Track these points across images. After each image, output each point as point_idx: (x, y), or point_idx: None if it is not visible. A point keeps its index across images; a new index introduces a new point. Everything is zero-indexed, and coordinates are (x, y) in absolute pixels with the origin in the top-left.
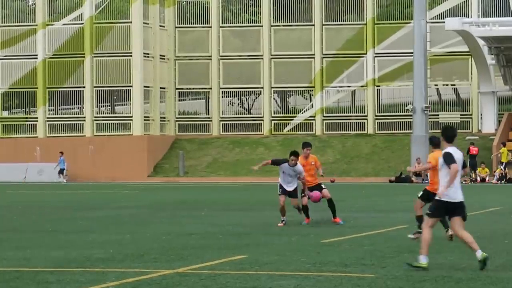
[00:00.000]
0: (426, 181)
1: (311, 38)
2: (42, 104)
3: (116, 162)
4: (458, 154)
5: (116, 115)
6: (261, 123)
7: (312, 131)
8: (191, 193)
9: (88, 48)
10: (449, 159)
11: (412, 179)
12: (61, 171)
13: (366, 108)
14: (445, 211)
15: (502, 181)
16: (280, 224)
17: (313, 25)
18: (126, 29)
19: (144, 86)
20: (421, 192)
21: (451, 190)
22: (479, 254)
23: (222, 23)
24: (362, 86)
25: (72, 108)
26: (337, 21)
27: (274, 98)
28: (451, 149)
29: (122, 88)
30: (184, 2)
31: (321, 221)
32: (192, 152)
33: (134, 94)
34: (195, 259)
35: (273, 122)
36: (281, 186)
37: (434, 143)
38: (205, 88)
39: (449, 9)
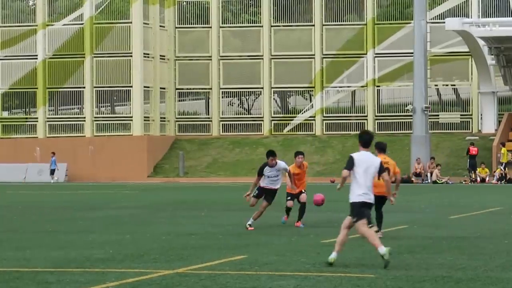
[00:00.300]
0: (427, 182)
1: (311, 39)
2: (42, 105)
3: (116, 162)
4: (367, 160)
5: (116, 115)
6: (261, 124)
7: (312, 131)
8: (191, 194)
9: (88, 49)
10: (347, 163)
11: (412, 179)
12: (53, 171)
13: (366, 108)
14: (360, 207)
15: (502, 181)
16: (251, 228)
17: (313, 25)
18: (126, 29)
19: (144, 87)
20: None
21: (355, 193)
22: (382, 250)
23: (222, 23)
24: (362, 86)
25: (72, 109)
26: (337, 22)
27: (274, 98)
28: (358, 154)
29: (122, 88)
30: (184, 3)
31: (320, 222)
32: (192, 153)
33: (134, 95)
34: (195, 259)
35: (273, 122)
36: (260, 187)
37: (380, 147)
38: (205, 89)
39: (449, 9)
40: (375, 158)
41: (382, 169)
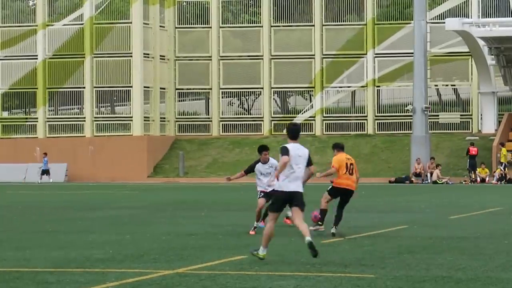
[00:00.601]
0: (427, 182)
1: (311, 39)
2: (42, 105)
3: (116, 162)
4: (298, 151)
5: (116, 115)
6: (261, 124)
7: (312, 131)
8: (191, 194)
9: (88, 49)
10: (282, 151)
11: (412, 179)
12: (44, 172)
13: (366, 108)
14: (282, 202)
15: (502, 182)
16: (252, 232)
17: (313, 25)
18: (126, 30)
19: (144, 87)
20: (330, 187)
21: (284, 181)
22: (262, 251)
23: (222, 24)
24: (362, 87)
25: (72, 109)
26: (337, 22)
27: (274, 99)
28: (291, 145)
29: (122, 88)
30: (184, 3)
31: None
32: (192, 153)
33: (134, 95)
34: (195, 260)
35: (273, 122)
36: (261, 191)
37: (339, 146)
38: (205, 89)
39: (449, 9)
40: (304, 149)
41: (310, 161)
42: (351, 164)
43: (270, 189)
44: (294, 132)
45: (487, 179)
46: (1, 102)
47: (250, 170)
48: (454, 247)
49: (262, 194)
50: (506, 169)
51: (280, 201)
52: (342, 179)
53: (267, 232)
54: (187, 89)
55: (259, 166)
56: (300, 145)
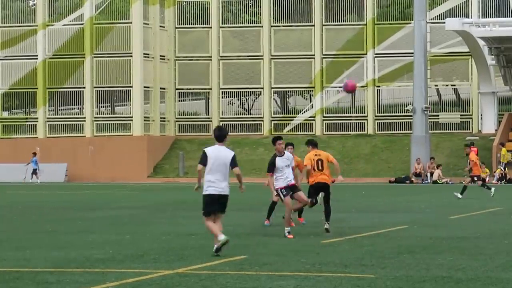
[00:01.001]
0: (427, 182)
1: (311, 39)
2: (42, 105)
3: (116, 162)
4: (219, 153)
5: (116, 115)
6: (261, 124)
7: (312, 131)
8: (191, 194)
9: (88, 49)
10: (200, 158)
11: (412, 179)
12: (34, 172)
13: (366, 108)
14: (211, 205)
15: (502, 182)
16: (290, 236)
17: (313, 25)
18: (126, 30)
19: (144, 87)
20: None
21: (207, 185)
22: (221, 237)
23: (222, 24)
24: (362, 87)
25: (72, 109)
26: (337, 22)
27: (274, 99)
28: (211, 148)
29: (122, 88)
30: (184, 3)
31: (320, 222)
32: (192, 153)
33: (134, 95)
34: (195, 260)
35: (273, 122)
36: (282, 188)
37: (313, 143)
38: (205, 89)
39: (449, 9)
40: (228, 151)
41: (234, 162)
42: (319, 159)
43: (291, 182)
44: (217, 135)
45: (487, 179)
46: (1, 102)
47: (272, 168)
48: (454, 247)
49: (284, 191)
50: (506, 169)
51: (209, 205)
52: (313, 177)
53: (209, 229)
54: (187, 89)
55: (278, 160)
56: (224, 147)
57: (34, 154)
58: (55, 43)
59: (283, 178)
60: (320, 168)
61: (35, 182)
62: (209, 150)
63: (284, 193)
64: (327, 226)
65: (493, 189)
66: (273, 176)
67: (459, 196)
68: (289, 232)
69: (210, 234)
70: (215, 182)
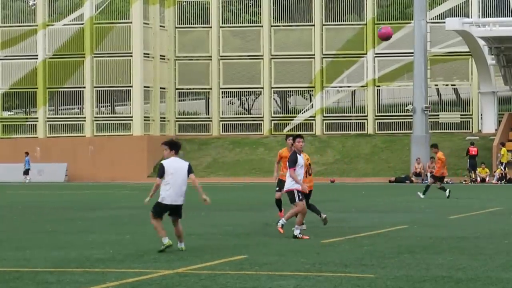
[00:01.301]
0: (426, 181)
1: (311, 38)
2: (42, 104)
3: (116, 162)
4: (176, 164)
5: (116, 115)
6: (261, 123)
7: (312, 131)
8: (190, 194)
9: (88, 49)
10: (158, 171)
11: (412, 179)
12: (26, 172)
13: (366, 108)
14: (161, 212)
15: (502, 182)
16: (306, 237)
17: (313, 25)
18: (126, 29)
19: (144, 86)
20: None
21: (166, 194)
22: (165, 240)
23: (222, 23)
24: (362, 86)
25: (72, 108)
26: (337, 21)
27: (274, 98)
28: (168, 161)
29: (122, 88)
30: (184, 2)
31: (320, 222)
32: (192, 153)
33: (134, 94)
34: (195, 260)
35: (273, 122)
36: (299, 194)
37: (293, 138)
38: (205, 88)
39: (449, 9)
40: (183, 162)
41: (190, 170)
42: (309, 164)
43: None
44: (174, 146)
45: (487, 179)
46: (1, 102)
47: (295, 162)
48: (454, 247)
49: (301, 195)
50: (506, 168)
51: (160, 212)
52: (306, 182)
53: (155, 227)
54: (187, 89)
55: (299, 159)
56: (179, 159)
57: (27, 153)
58: (55, 43)
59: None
60: (310, 173)
61: (26, 182)
62: (165, 164)
63: (300, 197)
64: (323, 216)
65: (448, 190)
66: (295, 170)
67: (421, 196)
68: (301, 233)
69: (209, 235)
70: (171, 193)
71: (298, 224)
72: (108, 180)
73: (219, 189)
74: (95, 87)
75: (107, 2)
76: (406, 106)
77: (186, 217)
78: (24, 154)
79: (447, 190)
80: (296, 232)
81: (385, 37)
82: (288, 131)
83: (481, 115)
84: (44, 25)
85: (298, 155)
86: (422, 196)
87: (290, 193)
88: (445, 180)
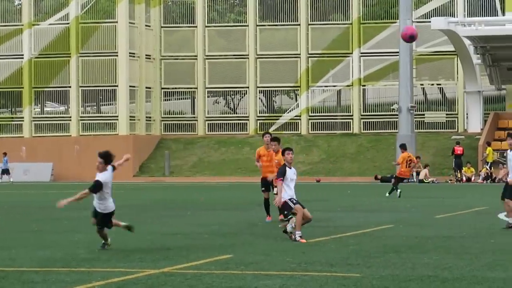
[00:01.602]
0: (412, 180)
1: (296, 38)
2: (28, 104)
3: None
4: (108, 177)
5: (101, 114)
6: (246, 123)
7: (298, 130)
8: (176, 193)
9: (74, 48)
10: (94, 187)
11: None
12: (4, 172)
13: (352, 107)
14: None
15: (488, 181)
16: (303, 240)
17: (299, 24)
18: (112, 29)
19: (130, 86)
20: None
21: (104, 205)
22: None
23: (207, 23)
24: (347, 86)
25: (58, 108)
26: (323, 21)
27: (259, 98)
28: (102, 174)
29: (107, 88)
30: (170, 2)
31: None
32: (178, 152)
33: (120, 94)
34: (181, 259)
35: (258, 121)
36: (292, 199)
37: (276, 139)
38: (191, 88)
39: (435, 8)
40: (111, 173)
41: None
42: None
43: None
44: (109, 158)
45: (472, 178)
46: None
47: (284, 175)
48: (439, 246)
49: (294, 200)
50: (491, 168)
51: (103, 217)
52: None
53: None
54: (173, 88)
55: (288, 172)
56: (109, 171)
57: (5, 154)
58: (41, 43)
59: (292, 191)
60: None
61: (8, 181)
62: (101, 177)
63: (294, 202)
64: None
65: (399, 190)
66: (282, 183)
67: (387, 194)
68: (300, 236)
69: (195, 234)
70: (104, 203)
71: (294, 224)
72: (93, 180)
73: (205, 189)
74: (81, 86)
75: (93, 1)
76: (392, 106)
77: (172, 217)
78: (3, 154)
79: (398, 191)
80: (296, 234)
81: (409, 37)
82: (273, 130)
83: (467, 114)
84: (30, 24)
85: (287, 168)
86: (387, 195)
87: (283, 206)
88: (431, 179)
